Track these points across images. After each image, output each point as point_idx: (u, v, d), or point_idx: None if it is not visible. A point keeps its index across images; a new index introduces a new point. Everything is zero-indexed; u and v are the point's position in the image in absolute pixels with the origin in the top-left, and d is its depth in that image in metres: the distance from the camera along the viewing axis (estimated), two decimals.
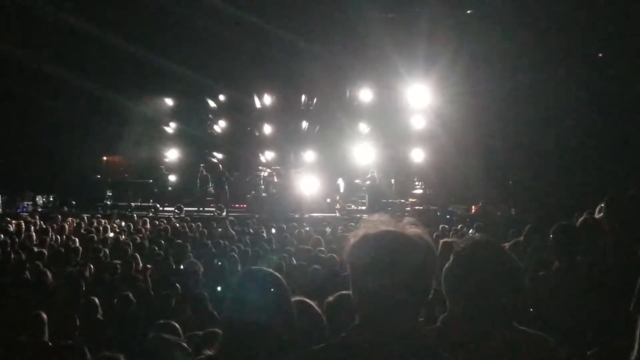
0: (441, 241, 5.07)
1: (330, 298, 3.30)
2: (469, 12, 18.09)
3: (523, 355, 2.07)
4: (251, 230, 13.73)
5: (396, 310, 1.78)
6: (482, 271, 2.14)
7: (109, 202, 19.74)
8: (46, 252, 9.64)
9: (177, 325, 4.31)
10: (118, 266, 8.50)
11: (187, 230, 13.70)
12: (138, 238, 11.90)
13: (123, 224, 14.92)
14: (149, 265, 8.86)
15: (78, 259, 9.47)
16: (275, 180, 19.88)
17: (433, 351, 1.82)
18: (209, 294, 6.48)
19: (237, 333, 2.32)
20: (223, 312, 2.48)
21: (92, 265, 8.81)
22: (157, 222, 15.09)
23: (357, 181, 20.22)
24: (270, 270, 2.52)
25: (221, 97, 22.86)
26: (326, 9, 18.20)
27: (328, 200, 19.33)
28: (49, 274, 7.72)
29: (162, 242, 11.33)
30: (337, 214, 18.51)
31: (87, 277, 8.06)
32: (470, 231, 10.75)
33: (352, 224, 13.00)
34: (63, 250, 10.02)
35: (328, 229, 13.40)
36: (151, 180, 20.54)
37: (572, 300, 3.89)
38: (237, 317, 2.35)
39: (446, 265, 2.24)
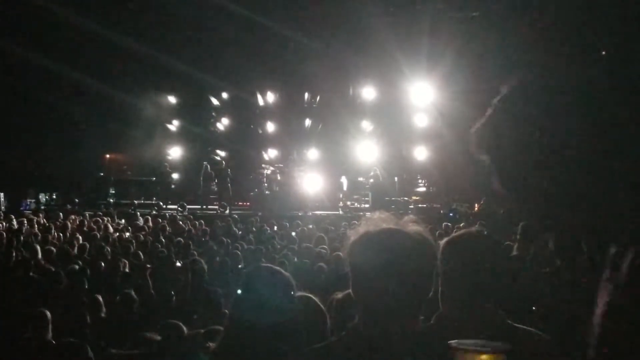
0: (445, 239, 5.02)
1: (339, 295, 3.29)
2: (475, 14, 18.05)
3: (517, 352, 2.06)
4: (254, 229, 13.73)
5: (397, 308, 1.78)
6: (469, 260, 2.14)
7: (111, 200, 19.76)
8: (51, 250, 9.66)
9: (180, 324, 4.32)
10: (120, 264, 8.51)
11: (191, 228, 13.71)
12: (141, 236, 11.91)
13: (123, 221, 14.94)
14: (148, 265, 8.85)
15: (85, 256, 9.49)
16: (278, 178, 19.87)
17: (433, 349, 1.81)
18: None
19: (242, 328, 2.32)
20: (229, 308, 2.49)
21: (94, 263, 8.81)
22: (160, 220, 15.10)
23: (360, 179, 20.20)
24: (277, 267, 2.52)
25: (224, 95, 22.89)
26: (329, 6, 18.19)
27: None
28: (52, 271, 7.73)
29: (165, 240, 11.34)
30: (341, 212, 18.50)
31: (90, 274, 8.06)
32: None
33: (355, 221, 13.00)
34: (66, 248, 10.03)
35: (332, 228, 13.38)
36: (154, 178, 20.55)
37: (574, 297, 3.88)
38: (242, 312, 2.35)
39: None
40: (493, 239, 2.28)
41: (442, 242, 2.24)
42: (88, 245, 10.19)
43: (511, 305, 2.20)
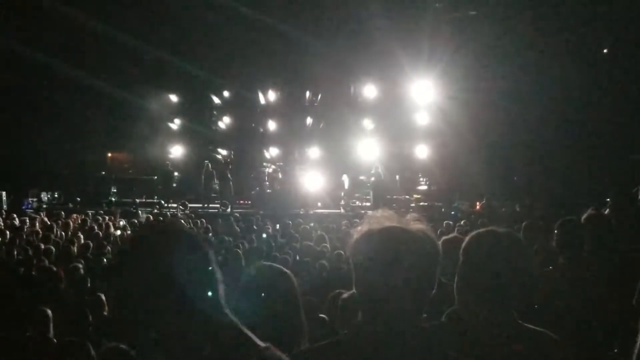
0: (443, 238, 5.02)
1: (346, 295, 3.28)
2: (472, 13, 18.06)
3: (528, 353, 2.06)
4: (255, 227, 13.73)
5: (399, 307, 1.77)
6: (495, 261, 2.13)
7: (113, 199, 19.77)
8: (52, 249, 9.66)
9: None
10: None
11: (192, 226, 13.71)
12: None
13: (123, 223, 14.91)
14: None
15: (88, 255, 9.48)
16: (280, 176, 19.87)
17: (437, 347, 1.81)
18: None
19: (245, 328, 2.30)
20: (232, 307, 2.46)
21: (96, 262, 8.81)
22: (161, 219, 15.09)
23: (361, 177, 20.20)
24: (281, 267, 2.50)
25: (226, 94, 22.89)
26: (331, 4, 18.19)
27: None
28: (54, 270, 7.72)
29: None
30: (342, 211, 18.50)
31: (92, 273, 8.06)
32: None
33: (357, 220, 12.98)
34: (68, 246, 10.03)
35: (334, 226, 13.38)
36: (156, 177, 20.55)
37: (576, 295, 3.88)
38: (245, 313, 2.33)
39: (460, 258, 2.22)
40: (518, 238, 2.26)
41: (468, 236, 2.23)
42: (90, 244, 10.18)
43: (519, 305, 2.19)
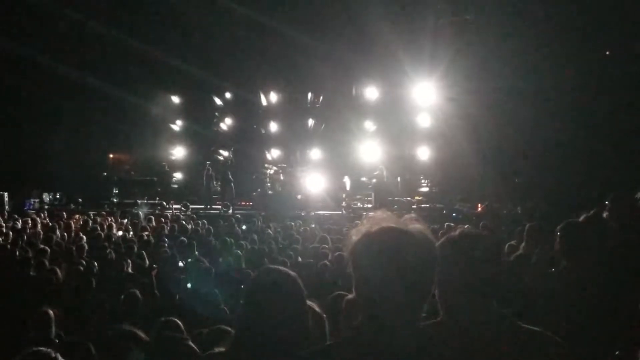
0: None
1: (350, 296, 3.27)
2: (468, 17, 18.09)
3: (525, 353, 2.05)
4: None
5: (399, 306, 1.77)
6: (466, 258, 2.11)
7: (115, 200, 19.78)
8: (54, 250, 9.66)
9: (179, 322, 4.32)
10: (124, 263, 8.50)
11: (194, 227, 13.71)
12: (144, 235, 11.90)
13: (125, 222, 14.92)
14: (154, 266, 8.84)
15: (84, 256, 9.47)
16: (281, 178, 19.87)
17: (436, 347, 1.81)
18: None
19: (251, 331, 2.29)
20: (238, 310, 2.45)
21: (98, 263, 8.80)
22: (163, 220, 15.10)
23: (363, 179, 20.19)
24: (287, 270, 2.49)
25: (227, 95, 22.90)
26: (333, 6, 18.20)
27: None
28: (56, 271, 7.72)
29: (168, 239, 11.33)
30: (344, 212, 18.49)
31: (93, 274, 8.06)
32: None
33: (358, 221, 12.96)
34: (70, 247, 10.03)
35: (335, 228, 13.38)
36: (157, 178, 20.56)
37: (579, 297, 3.88)
38: (252, 315, 2.32)
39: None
40: (488, 237, 2.25)
41: (438, 242, 2.20)
42: (92, 245, 10.18)
43: (518, 305, 2.18)
